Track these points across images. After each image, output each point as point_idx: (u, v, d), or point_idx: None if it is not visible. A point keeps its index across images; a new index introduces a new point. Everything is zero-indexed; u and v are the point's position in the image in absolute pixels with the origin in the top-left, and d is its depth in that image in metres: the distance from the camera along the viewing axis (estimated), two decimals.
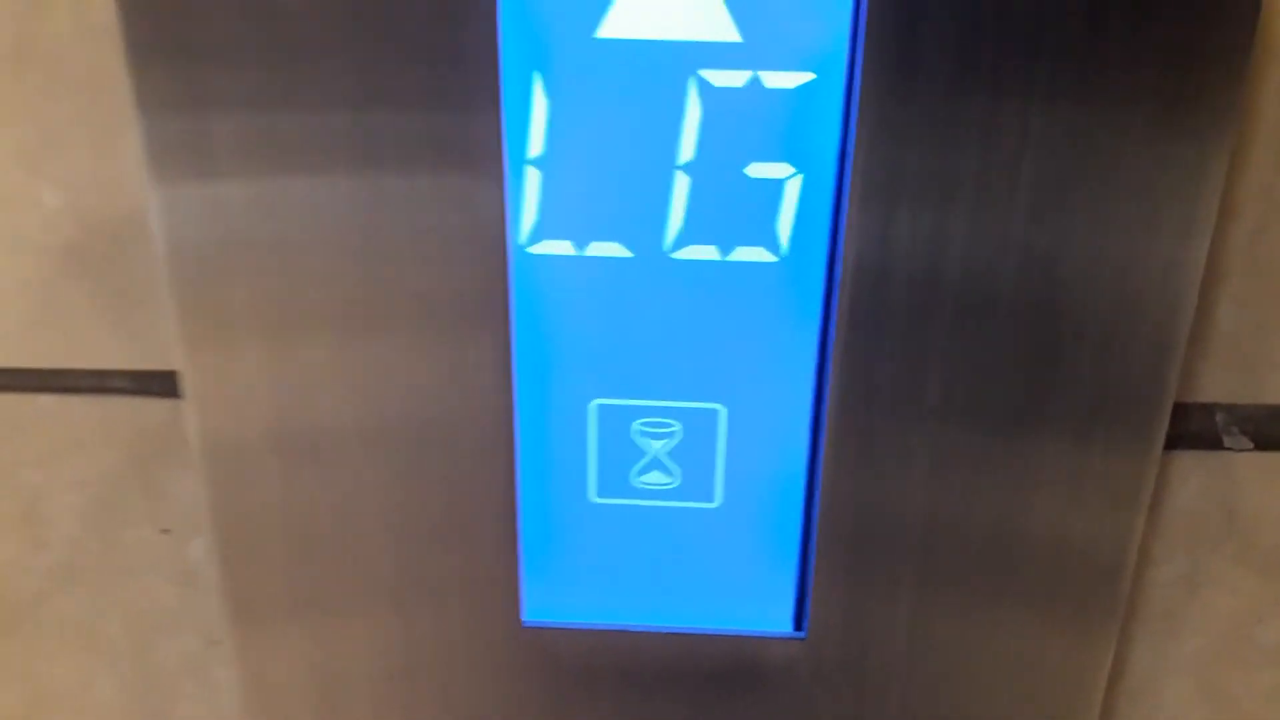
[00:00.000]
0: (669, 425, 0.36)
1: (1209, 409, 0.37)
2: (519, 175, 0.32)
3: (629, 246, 0.33)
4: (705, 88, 0.31)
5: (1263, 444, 0.38)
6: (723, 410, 0.36)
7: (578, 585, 0.38)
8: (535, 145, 0.32)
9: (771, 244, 0.33)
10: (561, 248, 0.33)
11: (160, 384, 0.37)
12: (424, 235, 0.32)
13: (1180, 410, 0.36)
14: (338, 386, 0.34)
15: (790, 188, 0.33)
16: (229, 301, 0.33)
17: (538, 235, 0.33)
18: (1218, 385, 0.37)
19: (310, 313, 0.33)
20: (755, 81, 0.31)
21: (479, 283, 0.33)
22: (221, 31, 0.30)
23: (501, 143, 0.31)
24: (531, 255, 0.33)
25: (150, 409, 0.37)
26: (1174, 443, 0.37)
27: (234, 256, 0.32)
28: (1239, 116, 0.30)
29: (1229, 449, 0.38)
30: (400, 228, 0.32)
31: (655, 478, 0.37)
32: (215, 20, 0.29)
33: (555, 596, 0.38)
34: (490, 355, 0.34)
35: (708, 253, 0.33)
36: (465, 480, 0.35)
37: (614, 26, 0.30)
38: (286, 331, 0.33)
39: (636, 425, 0.36)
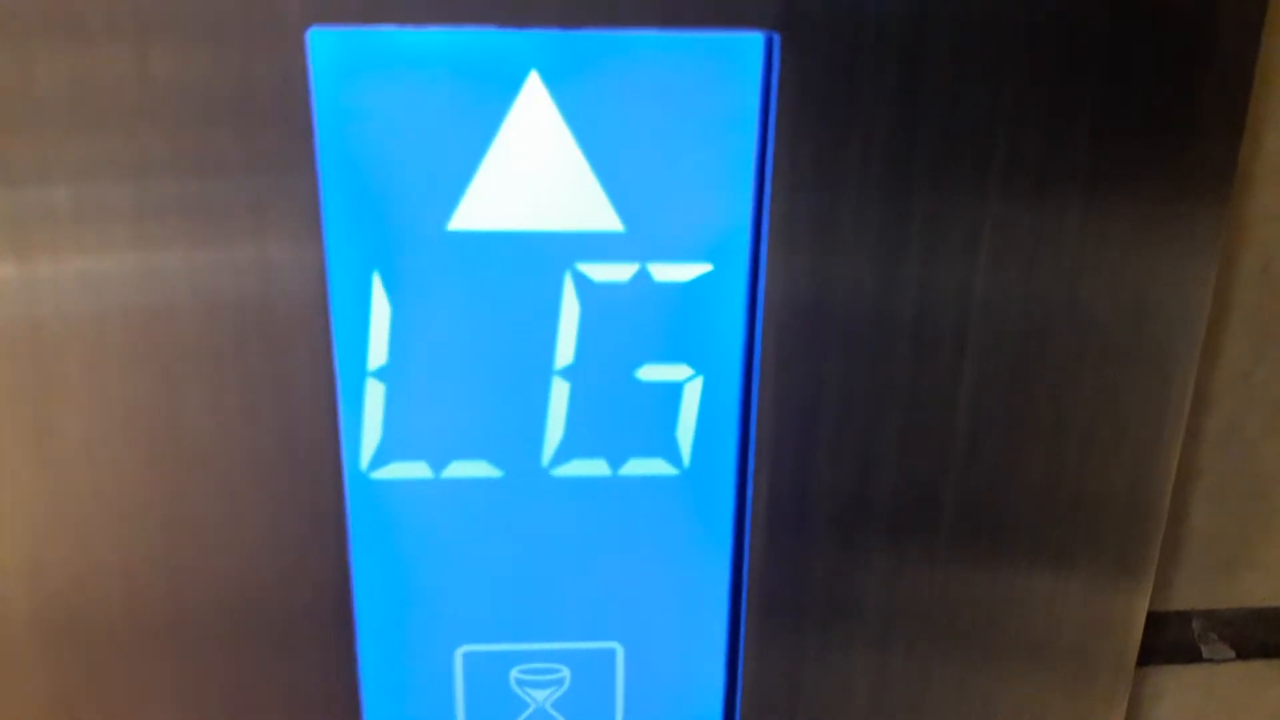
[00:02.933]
0: (555, 671, 0.30)
1: (1185, 616, 0.33)
2: (357, 390, 0.26)
3: (498, 465, 0.28)
4: (584, 283, 0.26)
5: (1245, 651, 0.33)
6: (619, 650, 0.30)
7: None
8: (377, 355, 0.26)
9: (671, 455, 0.28)
10: (414, 470, 0.27)
11: None
12: (239, 468, 0.26)
13: (1153, 619, 0.32)
14: (133, 647, 0.27)
15: (690, 391, 0.27)
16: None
17: (384, 458, 0.27)
18: (1193, 590, 0.32)
19: (95, 545, 0.27)
20: (643, 275, 0.26)
21: (309, 516, 0.27)
22: None
23: (331, 353, 0.25)
24: (375, 481, 0.27)
25: None
26: (1148, 657, 0.32)
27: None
28: (1208, 302, 0.26)
29: (1208, 660, 0.33)
30: (210, 455, 0.26)
31: None
32: None
33: None
34: (328, 599, 0.27)
35: (595, 468, 0.28)
36: None
37: (470, 216, 0.25)
38: (65, 573, 0.27)
39: (515, 673, 0.30)
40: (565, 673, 0.30)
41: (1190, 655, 0.33)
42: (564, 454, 0.28)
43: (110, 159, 0.23)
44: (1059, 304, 0.26)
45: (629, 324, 0.26)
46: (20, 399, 0.25)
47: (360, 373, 0.26)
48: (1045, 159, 0.25)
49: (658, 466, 0.28)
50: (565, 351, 0.27)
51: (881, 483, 0.28)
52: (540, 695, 0.30)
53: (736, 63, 0.24)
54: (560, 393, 0.27)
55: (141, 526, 0.26)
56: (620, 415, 0.28)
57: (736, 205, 0.25)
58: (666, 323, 0.27)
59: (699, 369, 0.27)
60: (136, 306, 0.24)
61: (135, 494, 0.26)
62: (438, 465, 0.27)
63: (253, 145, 0.23)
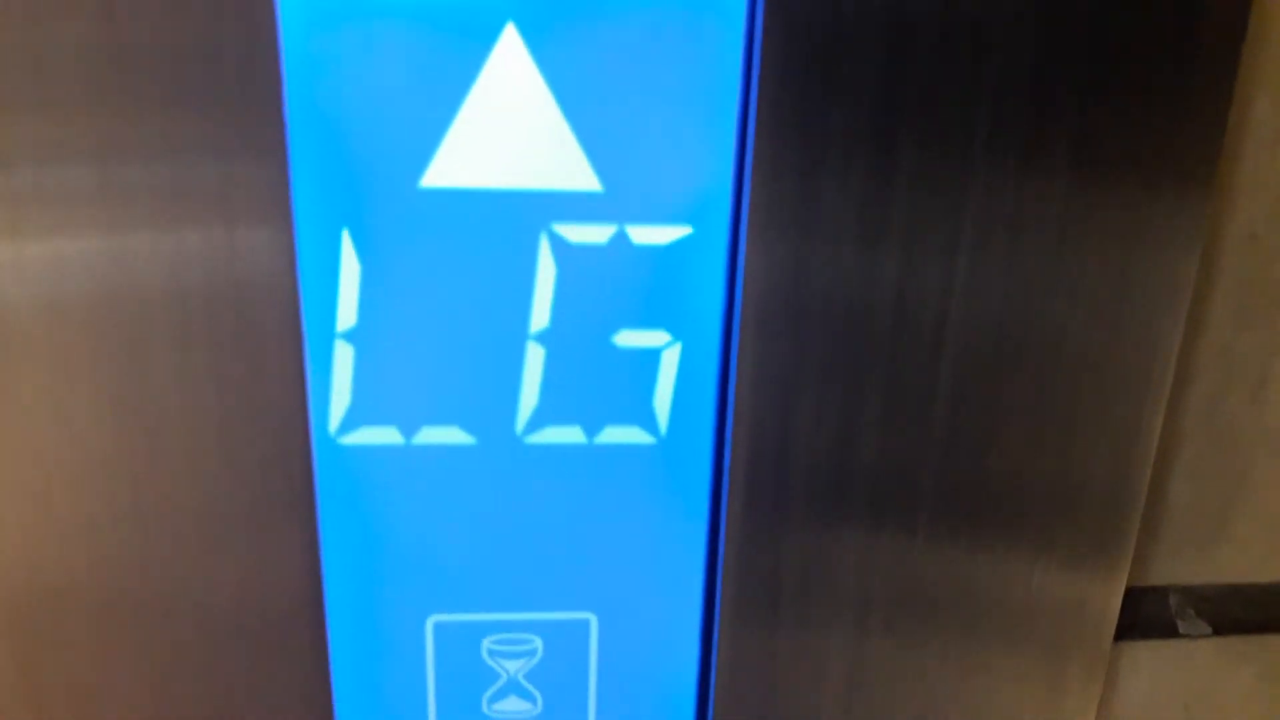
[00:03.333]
0: (527, 642, 0.29)
1: (1161, 591, 0.32)
2: (325, 352, 0.26)
3: (471, 431, 0.27)
4: (560, 245, 0.25)
5: (1221, 627, 0.33)
6: (593, 620, 0.29)
7: None
8: (346, 316, 0.25)
9: (648, 423, 0.27)
10: (384, 436, 0.27)
11: None
12: (205, 430, 0.25)
13: (1130, 595, 0.31)
14: (101, 626, 0.27)
15: (667, 358, 0.27)
16: None
17: (353, 422, 0.26)
18: (1171, 566, 0.32)
19: (60, 516, 0.26)
20: (620, 237, 0.25)
21: (278, 482, 0.26)
22: None
23: (298, 314, 0.24)
24: (344, 446, 0.27)
25: None
26: (1124, 632, 0.32)
27: None
28: (1194, 276, 0.26)
29: (1184, 635, 0.33)
30: (177, 422, 0.25)
31: (512, 705, 0.30)
32: None
33: None
34: (295, 568, 0.27)
35: (570, 435, 0.27)
36: (270, 715, 0.28)
37: (443, 173, 0.24)
38: (45, 511, 0.26)
39: (487, 644, 0.29)
40: (538, 643, 0.29)
41: (1167, 630, 0.33)
42: (538, 421, 0.27)
43: (73, 117, 0.22)
44: (1042, 277, 0.26)
45: (606, 288, 0.26)
46: None
47: (329, 335, 0.25)
48: (1030, 132, 0.24)
49: (634, 435, 0.28)
50: (540, 315, 0.26)
51: (860, 454, 0.28)
52: (512, 666, 0.29)
53: (720, 20, 0.24)
54: (535, 358, 0.26)
55: (108, 492, 0.25)
56: (596, 382, 0.27)
57: (717, 167, 0.25)
58: (644, 287, 0.26)
59: (677, 335, 0.27)
60: (102, 270, 0.24)
61: (102, 461, 0.25)
62: (409, 431, 0.27)
63: (221, 99, 0.22)
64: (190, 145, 0.23)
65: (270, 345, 0.24)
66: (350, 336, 0.25)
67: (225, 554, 0.26)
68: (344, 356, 0.26)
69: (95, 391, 0.25)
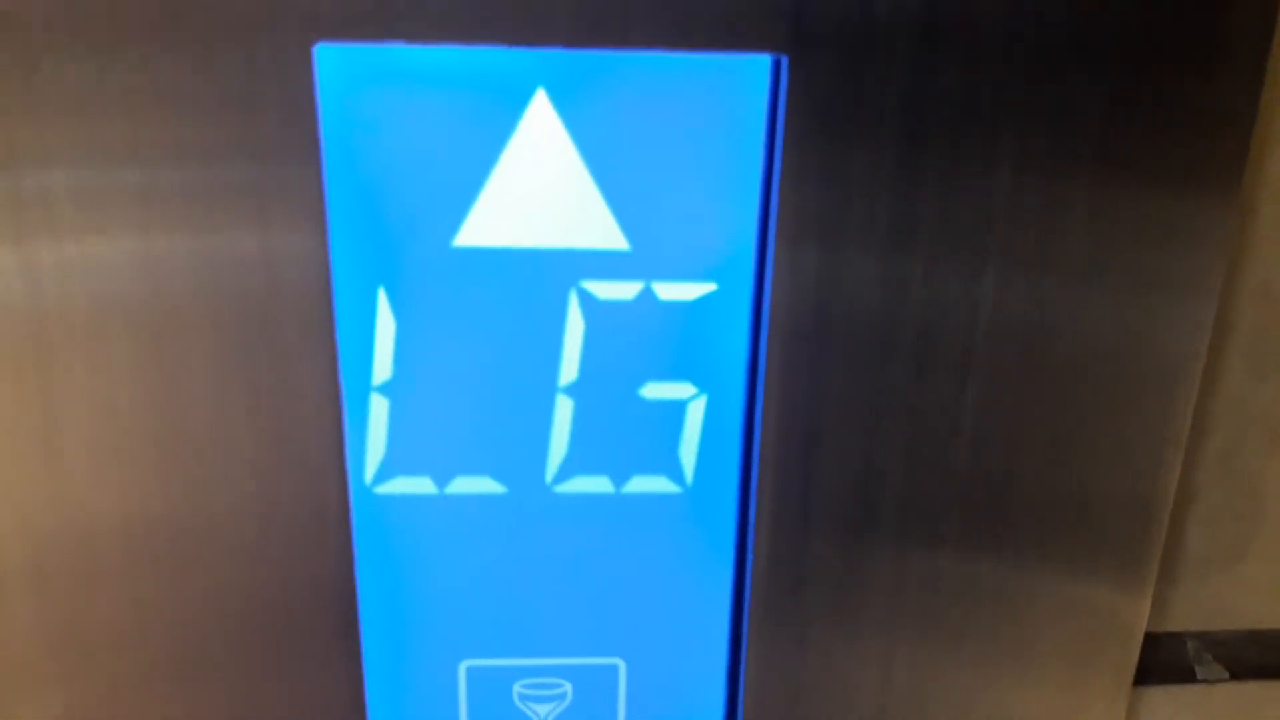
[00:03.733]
0: (557, 686, 0.30)
1: (1179, 637, 0.33)
2: (361, 404, 0.26)
3: (502, 481, 0.28)
4: (589, 301, 0.26)
5: (1239, 672, 0.33)
6: (622, 665, 0.30)
7: None
8: (381, 370, 0.26)
9: (674, 473, 0.28)
10: (418, 486, 0.27)
11: None
12: (244, 481, 0.26)
13: (1149, 640, 0.32)
14: (139, 665, 0.27)
15: (693, 410, 0.27)
16: None
17: (387, 472, 0.27)
18: (1188, 611, 0.32)
19: (99, 562, 0.27)
20: (647, 293, 0.26)
21: (314, 529, 0.26)
22: None
23: (336, 368, 0.25)
24: (379, 496, 0.27)
25: None
26: (1143, 676, 0.32)
27: None
28: (1209, 326, 0.26)
29: (1202, 680, 0.33)
30: (216, 473, 0.26)
31: None
32: None
33: None
34: (330, 616, 0.27)
35: (599, 485, 0.28)
36: None
37: (475, 233, 0.25)
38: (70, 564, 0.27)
39: (518, 688, 0.30)
40: (568, 688, 0.30)
41: (1185, 676, 0.33)
42: (567, 471, 0.28)
43: (113, 163, 0.23)
44: (1062, 319, 0.26)
45: (633, 342, 0.27)
46: (22, 394, 0.25)
47: (365, 387, 0.26)
48: (1049, 176, 0.25)
49: (661, 484, 0.28)
50: (570, 369, 0.27)
51: (884, 500, 0.28)
52: (543, 710, 0.30)
53: (744, 83, 0.25)
54: (564, 410, 0.27)
55: (144, 532, 0.26)
56: (624, 433, 0.28)
57: (742, 225, 0.25)
58: (671, 341, 0.27)
59: (703, 388, 0.27)
60: (142, 315, 0.24)
61: (138, 499, 0.26)
62: (442, 481, 0.27)
63: (259, 158, 0.23)
64: (232, 207, 0.24)
65: (309, 398, 0.25)
66: (385, 390, 0.26)
67: (263, 595, 0.27)
68: (379, 409, 0.26)
69: (131, 413, 0.25)
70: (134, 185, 0.23)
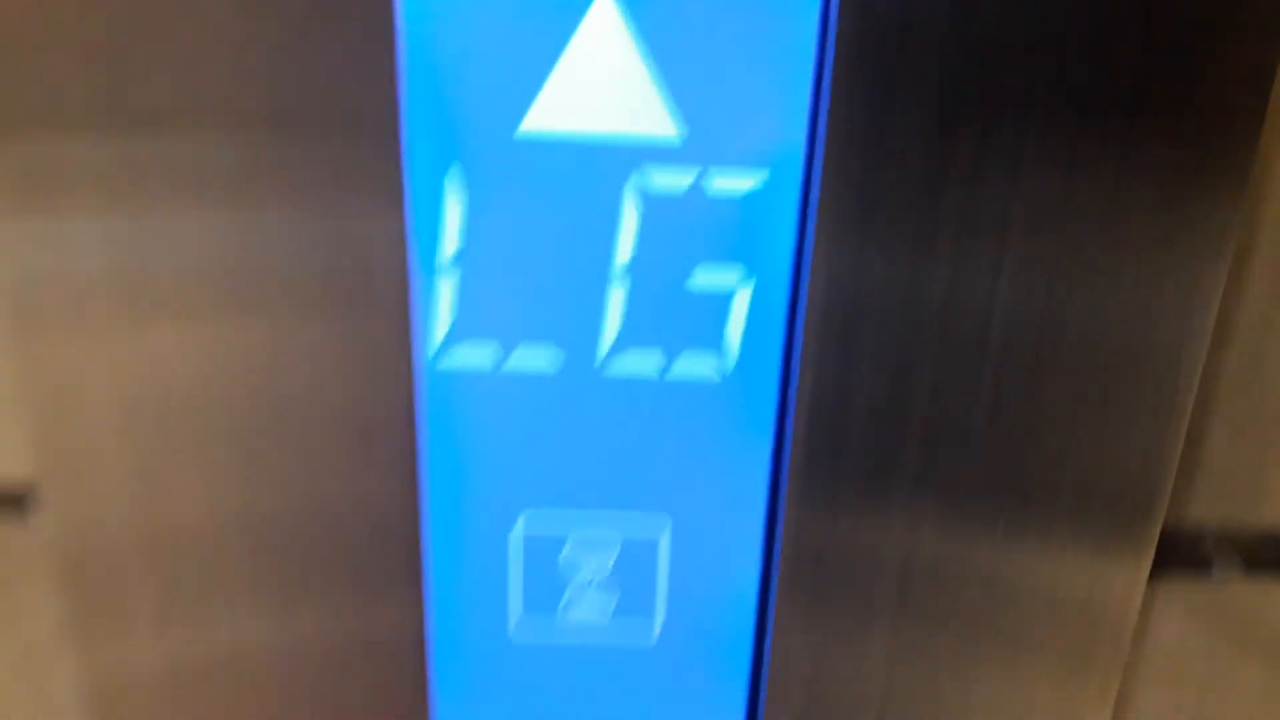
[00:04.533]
0: (601, 554, 0.32)
1: (1197, 533, 0.34)
2: (429, 283, 0.28)
3: (556, 361, 0.29)
4: (643, 190, 0.27)
5: (1255, 570, 0.35)
6: (663, 539, 0.32)
7: None
8: (447, 251, 0.28)
9: (719, 357, 0.30)
10: (478, 361, 0.29)
11: (8, 494, 0.32)
12: (318, 354, 0.28)
13: (1166, 535, 0.33)
14: (219, 514, 0.30)
15: (739, 297, 0.29)
16: (87, 398, 0.28)
17: (450, 349, 0.29)
18: (1206, 508, 0.34)
19: (183, 426, 0.29)
20: (700, 182, 0.27)
21: (382, 401, 0.28)
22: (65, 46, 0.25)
23: (407, 248, 0.27)
24: (443, 371, 0.29)
25: None
26: (1159, 570, 0.34)
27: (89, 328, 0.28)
28: (1238, 230, 0.27)
29: (1219, 576, 0.35)
30: (290, 345, 0.28)
31: (585, 612, 0.32)
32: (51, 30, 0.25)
33: None
34: (397, 479, 0.29)
35: (646, 368, 0.30)
36: (369, 616, 0.31)
37: (538, 122, 0.26)
38: (156, 444, 0.29)
39: (564, 554, 0.32)
40: (611, 556, 0.32)
41: (1201, 571, 0.34)
42: (617, 353, 0.29)
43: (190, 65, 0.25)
44: (1092, 230, 0.27)
45: (684, 230, 0.28)
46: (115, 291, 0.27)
47: (431, 268, 0.28)
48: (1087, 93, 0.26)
49: (705, 369, 0.30)
50: (623, 254, 0.28)
51: (916, 389, 0.29)
52: (586, 576, 0.32)
53: None
54: (617, 295, 0.29)
55: (223, 411, 0.28)
56: (672, 318, 0.29)
57: (793, 119, 0.27)
58: (720, 230, 0.28)
59: (749, 276, 0.29)
60: (222, 200, 0.26)
61: (219, 382, 0.28)
62: (500, 359, 0.29)
63: (339, 47, 0.25)
64: (311, 98, 0.25)
65: (380, 276, 0.27)
66: (451, 269, 0.28)
67: (334, 464, 0.29)
68: (445, 289, 0.28)
69: (216, 324, 0.27)
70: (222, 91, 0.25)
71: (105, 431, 0.29)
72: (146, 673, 0.32)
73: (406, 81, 0.26)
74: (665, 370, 0.30)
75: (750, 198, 0.27)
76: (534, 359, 0.29)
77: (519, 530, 0.31)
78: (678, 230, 0.28)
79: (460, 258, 0.28)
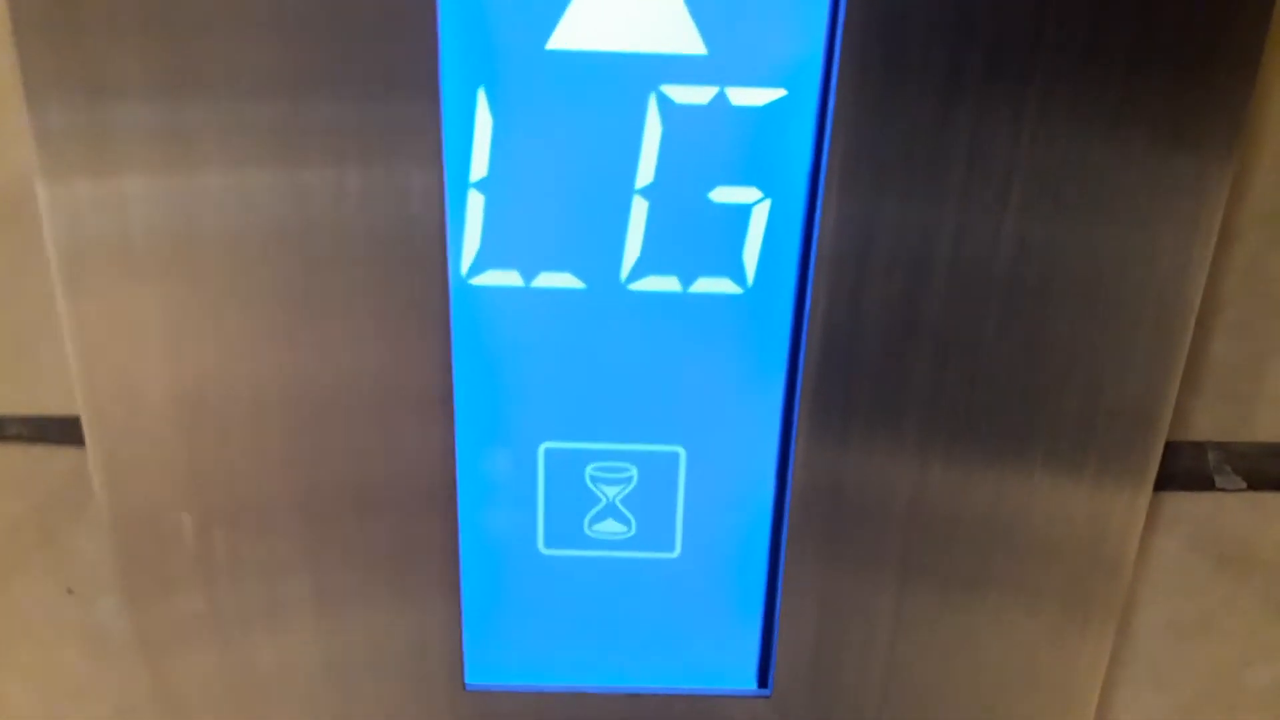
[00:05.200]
0: (624, 470, 0.33)
1: (1200, 447, 0.35)
2: (460, 200, 0.29)
3: (582, 277, 0.30)
4: (667, 104, 0.28)
5: (1256, 483, 0.36)
6: (682, 453, 0.33)
7: (525, 644, 0.35)
8: (479, 167, 0.29)
9: (737, 275, 0.31)
10: (507, 278, 0.30)
11: (61, 431, 0.33)
12: (354, 266, 0.29)
13: (1170, 449, 0.34)
14: (258, 428, 0.31)
15: (757, 214, 0.30)
16: (134, 333, 0.29)
17: (481, 265, 0.30)
18: (1209, 422, 0.35)
19: (227, 344, 0.30)
20: (721, 98, 0.28)
21: (416, 317, 0.29)
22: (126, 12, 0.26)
23: (441, 164, 0.28)
24: (474, 287, 0.30)
25: (50, 458, 0.34)
26: (1163, 483, 0.35)
27: (137, 269, 0.29)
28: (1241, 140, 0.28)
29: (1221, 489, 0.36)
30: (328, 258, 0.29)
31: (610, 526, 0.34)
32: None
33: (501, 657, 0.35)
34: (429, 395, 0.30)
35: (667, 284, 0.31)
36: (401, 534, 0.32)
37: (567, 37, 0.27)
38: (200, 372, 0.30)
39: (590, 470, 0.33)
40: (634, 472, 0.33)
41: (1204, 484, 0.35)
42: (640, 269, 0.30)
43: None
44: (1099, 133, 0.28)
45: (705, 146, 0.29)
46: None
47: (463, 184, 0.29)
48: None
49: (724, 285, 0.31)
50: (646, 171, 0.29)
51: (926, 311, 0.30)
52: (611, 491, 0.33)
53: None
54: (639, 211, 0.30)
55: (269, 323, 0.29)
56: (693, 235, 0.30)
57: (811, 33, 0.28)
58: (740, 146, 0.29)
59: (767, 192, 0.30)
60: (267, 142, 0.27)
61: (264, 292, 0.29)
62: (528, 275, 0.30)
63: None
64: (351, 21, 0.26)
65: (416, 194, 0.28)
66: (482, 186, 0.29)
67: (369, 376, 0.30)
68: (475, 205, 0.29)
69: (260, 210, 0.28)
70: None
71: (154, 371, 0.30)
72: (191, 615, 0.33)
73: (440, 6, 0.26)
74: (685, 289, 0.31)
75: (768, 113, 0.28)
76: (559, 278, 0.30)
77: (546, 448, 0.32)
78: (699, 146, 0.29)
79: (491, 174, 0.29)
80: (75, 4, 0.26)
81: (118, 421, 0.30)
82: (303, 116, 0.27)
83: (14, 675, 0.37)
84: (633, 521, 0.34)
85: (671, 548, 0.34)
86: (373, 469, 0.31)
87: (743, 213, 0.30)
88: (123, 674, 0.37)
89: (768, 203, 0.30)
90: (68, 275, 0.29)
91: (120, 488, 0.31)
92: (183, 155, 0.27)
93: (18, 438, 0.33)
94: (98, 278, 0.29)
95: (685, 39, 0.27)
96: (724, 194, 0.30)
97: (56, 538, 0.35)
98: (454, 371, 0.30)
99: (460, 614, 0.33)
